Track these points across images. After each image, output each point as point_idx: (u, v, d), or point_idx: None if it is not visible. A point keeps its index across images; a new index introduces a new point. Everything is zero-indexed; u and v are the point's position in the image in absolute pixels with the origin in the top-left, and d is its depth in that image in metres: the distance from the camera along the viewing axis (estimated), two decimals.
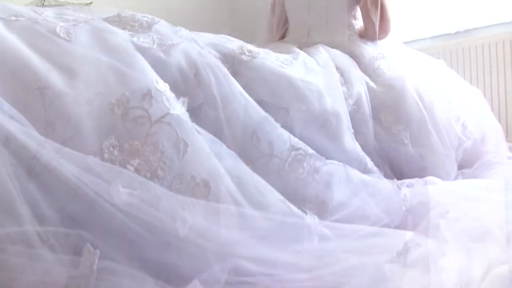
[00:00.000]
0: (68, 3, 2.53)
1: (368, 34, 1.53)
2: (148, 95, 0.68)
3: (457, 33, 2.52)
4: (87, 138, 0.62)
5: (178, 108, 0.71)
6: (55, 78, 0.63)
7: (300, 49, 1.44)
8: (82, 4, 2.57)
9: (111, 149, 0.62)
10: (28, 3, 2.46)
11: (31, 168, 0.53)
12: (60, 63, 0.67)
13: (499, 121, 1.95)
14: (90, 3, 2.58)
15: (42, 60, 0.65)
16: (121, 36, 0.77)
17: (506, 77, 2.27)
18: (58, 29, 0.71)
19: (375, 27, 1.49)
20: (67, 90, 0.63)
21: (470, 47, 2.41)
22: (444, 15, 2.53)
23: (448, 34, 2.55)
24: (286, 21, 1.72)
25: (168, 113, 0.68)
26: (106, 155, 0.61)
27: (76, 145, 0.61)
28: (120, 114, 0.65)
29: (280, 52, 1.26)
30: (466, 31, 2.49)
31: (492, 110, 1.89)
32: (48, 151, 0.54)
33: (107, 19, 0.87)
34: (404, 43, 2.59)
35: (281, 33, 1.72)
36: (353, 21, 1.58)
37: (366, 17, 1.50)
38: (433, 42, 2.62)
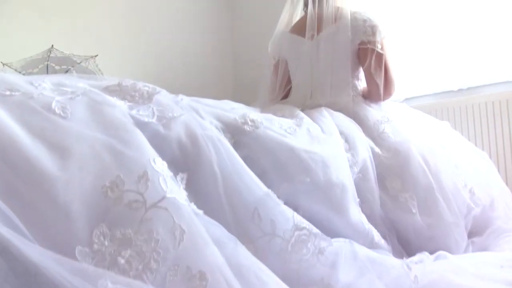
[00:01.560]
0: (74, 54, 2.56)
1: (372, 96, 1.53)
2: (144, 177, 0.64)
3: (459, 90, 2.52)
4: (76, 225, 0.58)
5: (175, 190, 0.67)
6: (45, 160, 0.60)
7: (303, 111, 1.43)
8: (87, 56, 2.61)
9: (102, 238, 0.57)
10: (35, 54, 2.50)
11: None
12: (53, 142, 0.63)
13: (506, 182, 1.91)
14: (95, 56, 2.61)
15: (34, 140, 0.62)
16: (119, 110, 0.75)
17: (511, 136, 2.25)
18: (53, 104, 0.68)
19: (379, 89, 1.48)
20: (58, 173, 0.59)
21: (473, 105, 2.41)
22: (446, 73, 2.54)
23: (451, 91, 2.55)
24: (289, 81, 1.72)
25: (164, 197, 0.64)
26: (95, 246, 0.57)
27: (63, 234, 0.57)
28: (114, 198, 0.61)
29: (283, 116, 1.24)
30: (469, 88, 2.50)
31: (498, 170, 1.86)
32: (33, 252, 0.49)
33: (107, 88, 0.86)
34: (406, 99, 2.61)
35: (284, 93, 1.72)
36: (357, 82, 1.58)
37: (370, 79, 1.50)
38: (436, 99, 2.62)
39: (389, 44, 1.56)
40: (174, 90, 2.88)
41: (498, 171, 1.83)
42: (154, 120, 0.78)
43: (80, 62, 2.60)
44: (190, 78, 3.68)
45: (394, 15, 2.70)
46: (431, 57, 2.59)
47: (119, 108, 0.75)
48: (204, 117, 0.89)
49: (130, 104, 0.81)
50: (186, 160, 0.78)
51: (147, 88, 0.86)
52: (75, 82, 0.82)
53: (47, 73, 2.57)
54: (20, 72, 2.51)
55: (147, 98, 0.84)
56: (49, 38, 2.73)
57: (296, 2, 1.78)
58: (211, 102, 1.02)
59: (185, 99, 0.93)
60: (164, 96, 0.87)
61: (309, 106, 1.54)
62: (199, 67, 3.77)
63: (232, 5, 4.14)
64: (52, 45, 2.47)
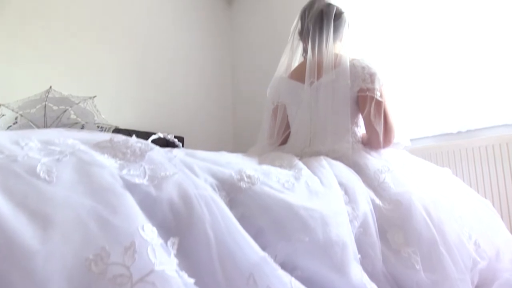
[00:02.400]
0: (72, 95, 2.56)
1: (371, 143, 1.50)
2: (131, 248, 0.60)
3: (459, 133, 2.51)
4: None
5: (165, 260, 0.63)
6: (25, 232, 0.56)
7: (302, 159, 1.40)
8: (86, 97, 2.60)
9: None
10: (33, 95, 2.49)
11: None
12: (35, 210, 0.60)
13: (509, 227, 1.86)
14: (94, 96, 2.61)
15: (15, 209, 0.58)
16: (108, 171, 0.71)
17: None
18: (39, 167, 0.65)
19: (379, 137, 1.46)
20: (37, 246, 0.55)
21: (473, 148, 2.38)
22: (446, 115, 2.54)
23: (450, 134, 2.54)
24: (287, 126, 1.70)
25: (152, 270, 0.59)
26: None
27: None
28: (97, 273, 0.57)
29: (281, 165, 1.21)
30: (468, 131, 2.48)
31: (499, 214, 1.81)
32: None
33: (98, 144, 0.83)
34: None
35: (282, 138, 1.70)
36: (356, 128, 1.56)
37: (370, 127, 1.48)
38: (435, 141, 2.60)
39: (389, 90, 1.55)
40: (172, 129, 2.91)
41: (499, 214, 1.78)
42: (145, 180, 0.74)
43: (79, 103, 2.59)
44: (190, 118, 3.68)
45: (394, 57, 2.73)
46: (431, 99, 2.59)
47: (109, 169, 0.72)
48: (199, 174, 0.86)
49: (121, 162, 0.78)
50: (178, 222, 0.74)
51: (139, 145, 0.83)
52: (65, 138, 0.79)
53: (45, 113, 2.56)
54: (17, 113, 2.50)
55: (140, 155, 0.81)
56: (48, 79, 2.75)
57: (295, 47, 1.78)
58: (206, 156, 0.99)
59: (179, 154, 0.90)
60: (157, 153, 0.84)
61: (308, 153, 1.52)
62: (199, 106, 3.78)
63: (233, 46, 4.20)
64: (51, 86, 2.47)
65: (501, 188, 2.25)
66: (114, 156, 0.80)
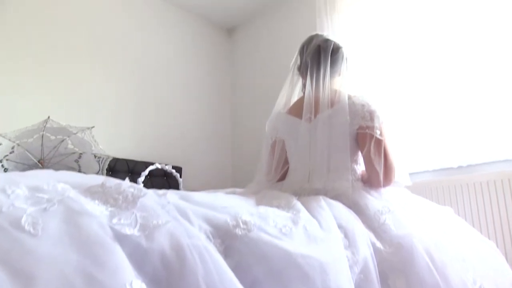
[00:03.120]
0: (70, 126, 2.55)
1: (371, 182, 1.47)
2: None
3: (459, 167, 2.48)
4: None
5: None
6: None
7: (300, 197, 1.37)
8: (84, 127, 2.59)
9: None
10: (31, 125, 2.48)
11: None
12: (17, 267, 0.56)
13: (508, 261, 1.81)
14: (92, 127, 2.59)
15: None
16: (97, 222, 0.68)
17: None
18: (24, 219, 0.62)
19: (379, 176, 1.43)
20: None
21: (474, 183, 2.35)
22: (446, 150, 2.52)
23: (451, 168, 2.51)
24: (286, 161, 1.67)
25: None
26: None
27: None
28: None
29: (279, 205, 1.18)
30: (468, 166, 2.46)
31: (506, 255, 1.77)
32: None
33: (89, 189, 0.80)
34: None
35: (281, 174, 1.67)
36: (355, 166, 1.54)
37: (370, 166, 1.45)
38: (435, 176, 2.57)
39: (389, 128, 1.53)
40: (171, 159, 2.89)
41: (503, 253, 1.74)
42: (136, 230, 0.71)
43: (77, 133, 2.58)
44: (188, 148, 3.66)
45: (395, 90, 2.74)
46: (431, 133, 2.58)
47: (98, 218, 0.69)
48: (193, 221, 0.83)
49: (112, 209, 0.75)
50: (169, 275, 0.70)
51: (132, 190, 0.80)
52: (55, 183, 0.77)
53: (42, 143, 2.54)
54: (14, 142, 2.49)
55: (132, 201, 0.78)
56: (47, 108, 2.75)
57: (294, 82, 1.77)
58: (201, 199, 0.96)
59: (172, 199, 0.87)
60: (149, 199, 0.81)
61: (307, 189, 1.49)
62: (198, 137, 3.77)
63: (232, 77, 4.23)
64: (49, 117, 2.46)
65: (504, 225, 2.21)
66: (105, 202, 0.77)
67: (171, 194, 0.90)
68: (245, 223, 0.89)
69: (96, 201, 0.77)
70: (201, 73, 3.97)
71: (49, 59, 2.95)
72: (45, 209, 0.66)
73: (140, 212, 0.76)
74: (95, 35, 3.24)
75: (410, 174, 2.56)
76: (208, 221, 0.86)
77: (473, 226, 2.26)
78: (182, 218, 0.81)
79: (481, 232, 2.22)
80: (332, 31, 2.98)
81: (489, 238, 2.19)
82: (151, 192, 0.84)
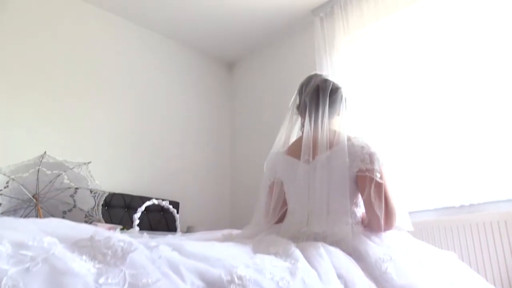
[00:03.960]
0: (67, 161, 2.52)
1: (372, 227, 1.43)
2: None
3: (461, 207, 2.44)
4: None
5: None
6: None
7: (299, 241, 1.33)
8: (80, 162, 2.56)
9: None
10: (26, 160, 2.45)
11: None
12: None
13: None
14: (89, 162, 2.57)
15: None
16: (83, 282, 0.64)
17: None
18: (4, 282, 0.58)
19: (380, 221, 1.39)
20: None
21: (477, 224, 2.30)
22: (448, 188, 2.48)
23: (453, 207, 2.47)
24: (284, 203, 1.63)
25: None
26: None
27: None
28: None
29: (276, 253, 1.14)
30: (471, 205, 2.42)
31: None
32: None
33: (77, 243, 0.77)
34: None
35: (279, 215, 1.63)
36: (355, 208, 1.50)
37: (370, 210, 1.41)
38: (437, 215, 2.52)
39: (389, 170, 1.50)
40: (168, 194, 2.83)
41: None
42: None
43: (73, 168, 2.55)
44: (186, 183, 3.62)
45: (396, 128, 2.72)
46: (432, 171, 2.55)
47: (84, 278, 0.65)
48: (185, 277, 0.78)
49: (100, 266, 0.71)
50: None
51: (122, 244, 0.77)
52: (41, 237, 0.73)
53: (37, 177, 2.51)
54: (9, 177, 2.45)
55: (121, 257, 0.74)
56: (44, 143, 2.73)
57: (294, 121, 1.76)
58: (195, 249, 0.92)
59: (164, 252, 0.83)
60: (140, 254, 0.77)
61: (305, 233, 1.44)
62: (196, 172, 3.73)
63: (232, 112, 4.23)
64: (45, 152, 2.44)
65: (510, 268, 2.15)
66: (93, 258, 0.73)
67: (163, 246, 0.86)
68: (240, 278, 0.85)
69: (84, 257, 0.73)
70: (201, 108, 3.97)
71: (47, 93, 2.95)
72: (27, 270, 0.63)
73: (129, 270, 0.72)
74: (95, 69, 3.26)
75: (410, 213, 2.52)
76: (201, 276, 0.82)
77: (476, 268, 2.20)
78: (173, 274, 0.77)
79: (485, 274, 2.16)
80: (331, 68, 3.00)
81: (493, 282, 2.13)
82: (141, 246, 0.80)
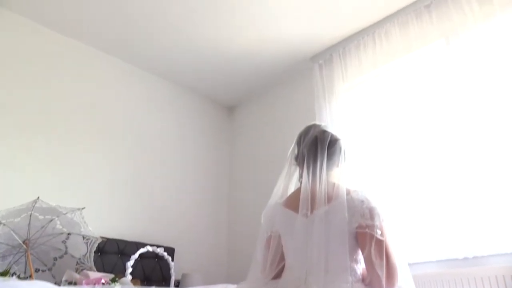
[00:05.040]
0: (60, 206, 2.47)
1: (373, 286, 1.37)
2: None
3: (465, 259, 2.35)
4: None
5: None
6: None
7: None
8: (74, 208, 2.51)
9: None
10: (19, 205, 2.40)
11: None
12: None
13: None
14: (82, 208, 2.51)
15: None
16: None
17: None
18: None
19: (381, 281, 1.33)
20: None
21: (482, 278, 2.22)
22: (451, 240, 2.41)
23: (456, 259, 2.38)
24: (282, 258, 1.57)
25: None
26: None
27: None
28: None
29: None
30: (475, 258, 2.34)
31: None
32: None
33: None
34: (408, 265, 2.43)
35: (276, 271, 1.56)
36: (355, 265, 1.44)
37: (371, 268, 1.35)
38: (440, 267, 2.44)
39: (390, 226, 1.45)
40: (163, 239, 2.76)
41: None
42: None
43: (66, 213, 2.50)
44: (182, 229, 3.55)
45: (398, 179, 2.68)
46: (434, 221, 2.49)
47: None
48: None
49: None
50: None
51: None
52: None
53: (29, 222, 2.45)
54: (0, 222, 2.39)
55: None
56: (40, 187, 2.70)
57: (292, 172, 1.72)
58: None
59: None
60: None
61: None
62: (192, 218, 3.66)
63: (231, 157, 4.21)
64: (38, 197, 2.39)
65: None
66: None
67: None
68: None
69: None
70: (199, 152, 3.94)
71: (43, 136, 2.93)
72: None
73: None
74: (92, 112, 3.25)
75: (411, 264, 2.45)
76: None
77: None
78: None
79: None
80: (330, 115, 3.00)
81: None
82: None
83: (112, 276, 2.36)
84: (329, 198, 1.47)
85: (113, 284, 2.11)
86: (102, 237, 2.66)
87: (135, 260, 2.62)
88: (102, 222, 2.96)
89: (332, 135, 1.61)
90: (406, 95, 2.81)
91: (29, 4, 2.91)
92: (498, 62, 2.43)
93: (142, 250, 2.65)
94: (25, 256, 2.45)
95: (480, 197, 2.35)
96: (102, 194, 3.11)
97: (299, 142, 1.68)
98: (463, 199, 2.41)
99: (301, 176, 1.65)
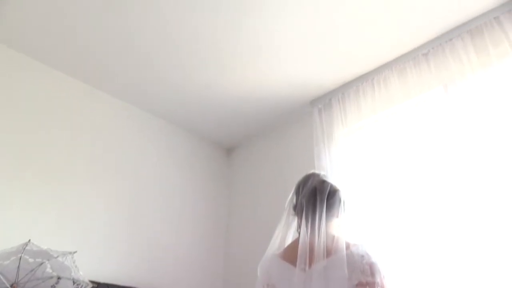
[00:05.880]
0: (51, 250, 2.40)
1: None
2: None
3: None
4: None
5: None
6: None
7: None
8: (66, 251, 2.44)
9: None
10: (9, 247, 2.34)
11: None
12: None
13: None
14: (74, 252, 2.44)
15: None
16: None
17: None
18: None
19: None
20: None
21: None
22: None
23: None
24: None
25: None
26: None
27: None
28: None
29: None
30: None
31: None
32: None
33: None
34: None
35: None
36: None
37: None
38: None
39: (391, 282, 1.40)
40: (157, 285, 2.63)
41: None
42: None
43: (57, 257, 2.42)
44: (175, 274, 3.44)
45: (399, 228, 2.61)
46: (439, 277, 2.38)
47: None
48: None
49: None
50: None
51: None
52: None
53: (19, 265, 2.37)
54: None
55: None
56: (29, 229, 2.63)
57: (290, 222, 1.69)
58: None
59: None
60: None
61: None
62: (186, 265, 3.55)
63: (229, 203, 4.14)
64: (29, 240, 2.33)
65: None
66: None
67: None
68: None
69: None
70: (197, 194, 3.87)
71: (37, 176, 2.88)
72: None
73: None
74: (88, 153, 3.19)
75: None
76: None
77: None
78: None
79: None
80: (329, 160, 2.98)
81: None
82: None
83: None
84: (328, 252, 1.43)
85: None
86: (92, 282, 2.57)
87: None
88: (95, 265, 2.87)
89: (331, 186, 1.59)
90: (406, 141, 2.79)
91: (24, 39, 2.93)
92: (497, 110, 2.43)
93: None
94: None
95: (485, 249, 2.28)
96: (97, 237, 3.03)
97: (297, 192, 1.65)
98: (467, 252, 2.33)
99: (299, 226, 1.62)
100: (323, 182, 1.59)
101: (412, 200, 2.63)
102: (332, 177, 1.68)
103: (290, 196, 1.70)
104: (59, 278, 2.50)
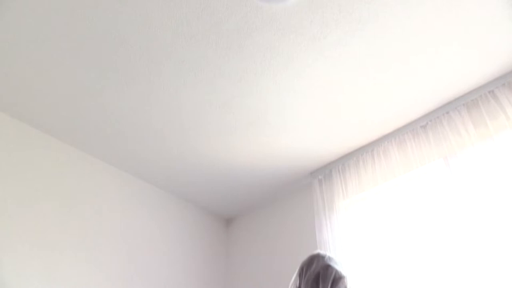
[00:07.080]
0: None
1: None
2: None
3: None
4: None
5: None
6: None
7: None
8: None
9: None
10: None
11: None
12: None
13: None
14: None
15: None
16: None
17: None
18: None
19: None
20: None
21: None
22: None
23: None
24: None
25: None
26: None
27: None
28: None
29: None
30: None
31: None
32: None
33: None
34: None
35: None
36: None
37: None
38: None
39: None
40: None
41: None
42: None
43: None
44: None
45: None
46: None
47: None
48: None
49: None
50: None
51: None
52: None
53: None
54: None
55: None
56: None
57: None
58: None
59: None
60: None
61: None
62: None
63: (227, 274, 4.00)
64: None
65: None
66: None
67: None
68: None
69: None
70: (195, 266, 3.73)
71: (26, 243, 2.78)
72: None
73: None
74: (81, 221, 3.10)
75: None
76: None
77: None
78: None
79: None
80: (330, 232, 2.90)
81: None
82: None
83: None
84: None
85: None
86: None
87: None
88: None
89: (336, 272, 1.51)
90: (408, 214, 2.74)
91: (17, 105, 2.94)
92: (498, 182, 2.39)
93: None
94: None
95: None
96: None
97: (301, 274, 1.57)
98: None
99: None
100: (328, 268, 1.52)
101: (414, 273, 2.54)
102: (338, 261, 1.59)
103: (293, 278, 1.61)
104: None
